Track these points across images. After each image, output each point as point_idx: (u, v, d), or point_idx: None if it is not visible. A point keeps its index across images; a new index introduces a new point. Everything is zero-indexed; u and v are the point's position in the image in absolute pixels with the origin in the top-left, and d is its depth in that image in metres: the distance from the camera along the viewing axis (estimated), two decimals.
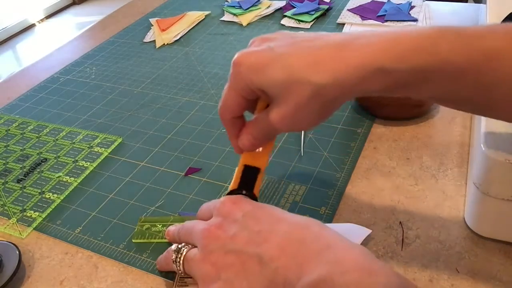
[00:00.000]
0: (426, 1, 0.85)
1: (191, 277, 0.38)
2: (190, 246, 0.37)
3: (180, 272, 0.36)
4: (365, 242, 0.41)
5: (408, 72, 0.30)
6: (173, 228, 0.41)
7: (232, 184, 0.40)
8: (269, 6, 0.91)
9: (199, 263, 0.34)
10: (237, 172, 0.40)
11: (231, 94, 0.36)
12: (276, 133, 0.38)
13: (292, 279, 0.30)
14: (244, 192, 0.39)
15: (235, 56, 0.35)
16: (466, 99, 0.31)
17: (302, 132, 0.54)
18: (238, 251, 0.32)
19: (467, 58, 0.29)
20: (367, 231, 0.41)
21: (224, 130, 0.58)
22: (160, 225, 0.45)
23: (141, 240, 0.44)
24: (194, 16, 0.91)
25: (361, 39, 0.32)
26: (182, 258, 0.36)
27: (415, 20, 0.78)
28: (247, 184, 0.40)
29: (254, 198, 0.40)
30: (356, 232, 0.41)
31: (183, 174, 0.52)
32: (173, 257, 0.36)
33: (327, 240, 0.31)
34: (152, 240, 0.43)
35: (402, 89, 0.32)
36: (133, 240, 0.44)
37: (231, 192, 0.40)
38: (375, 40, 0.31)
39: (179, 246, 0.37)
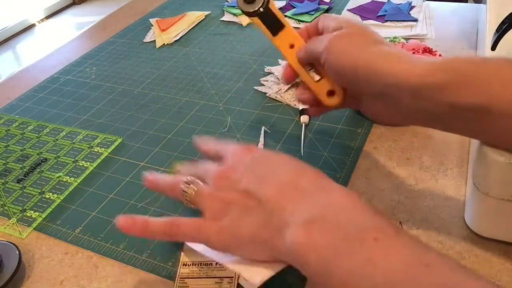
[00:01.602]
0: (426, 1, 0.85)
1: (191, 277, 0.38)
2: (199, 180, 0.38)
3: (186, 202, 0.38)
4: None
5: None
6: (186, 167, 0.42)
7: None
8: None
9: (210, 198, 0.36)
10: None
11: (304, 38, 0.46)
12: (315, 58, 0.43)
13: (287, 218, 0.32)
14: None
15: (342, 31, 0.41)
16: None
17: (302, 132, 0.54)
18: (243, 190, 0.35)
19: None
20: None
21: (224, 130, 0.58)
22: None
23: None
24: (194, 16, 0.91)
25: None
26: (194, 190, 0.37)
27: (415, 20, 0.78)
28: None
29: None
30: None
31: None
32: (183, 187, 0.38)
33: (322, 184, 0.34)
34: None
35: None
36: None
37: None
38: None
39: (190, 178, 0.38)
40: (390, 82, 0.36)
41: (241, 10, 0.45)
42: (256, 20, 0.45)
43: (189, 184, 0.38)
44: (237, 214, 0.34)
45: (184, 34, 0.85)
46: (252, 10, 0.44)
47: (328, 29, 0.43)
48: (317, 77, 0.44)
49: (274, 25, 0.44)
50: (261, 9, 0.44)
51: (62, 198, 0.50)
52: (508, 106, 0.31)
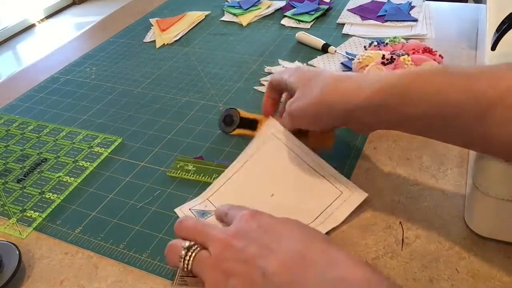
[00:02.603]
0: (426, 1, 0.85)
1: (192, 276, 0.38)
2: (200, 246, 0.37)
3: (185, 269, 0.36)
4: (365, 236, 0.41)
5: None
6: (188, 228, 0.39)
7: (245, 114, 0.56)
8: (269, 6, 0.91)
9: (210, 267, 0.35)
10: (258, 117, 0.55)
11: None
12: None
13: None
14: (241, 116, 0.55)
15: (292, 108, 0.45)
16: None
17: None
18: (247, 262, 0.33)
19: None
20: (364, 195, 0.44)
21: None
22: (191, 165, 0.52)
23: (174, 174, 0.51)
24: (194, 16, 0.91)
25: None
26: (192, 257, 0.36)
27: (415, 20, 0.78)
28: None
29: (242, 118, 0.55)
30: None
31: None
32: (182, 253, 0.36)
33: (332, 258, 0.32)
34: (183, 176, 0.51)
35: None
36: (168, 174, 0.51)
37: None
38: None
39: (190, 244, 0.37)
40: (348, 109, 0.39)
41: (224, 132, 0.57)
42: (239, 130, 0.55)
43: (189, 250, 0.36)
44: (238, 287, 0.33)
45: (184, 34, 0.85)
46: (235, 127, 0.56)
47: (286, 86, 0.48)
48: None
49: (252, 125, 0.54)
50: (238, 122, 0.55)
51: (62, 198, 0.50)
52: (449, 108, 0.34)
